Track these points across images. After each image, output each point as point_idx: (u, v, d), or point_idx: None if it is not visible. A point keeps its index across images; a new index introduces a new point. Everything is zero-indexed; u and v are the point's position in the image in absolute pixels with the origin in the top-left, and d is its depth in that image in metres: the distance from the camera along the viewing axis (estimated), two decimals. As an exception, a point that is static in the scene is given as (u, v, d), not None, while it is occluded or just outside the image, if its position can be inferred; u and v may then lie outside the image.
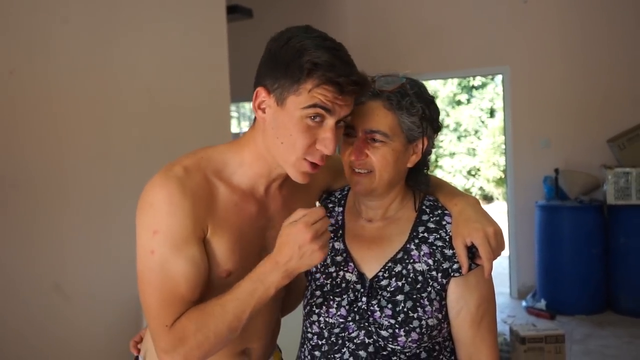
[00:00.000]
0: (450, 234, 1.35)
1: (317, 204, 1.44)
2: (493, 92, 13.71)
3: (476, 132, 14.27)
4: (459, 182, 14.25)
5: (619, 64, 5.75)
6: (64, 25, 2.92)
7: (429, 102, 1.35)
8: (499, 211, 11.06)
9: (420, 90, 1.35)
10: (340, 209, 1.48)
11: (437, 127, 1.38)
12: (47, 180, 2.81)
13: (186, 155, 1.29)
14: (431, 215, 1.40)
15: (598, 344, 4.76)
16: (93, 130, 3.07)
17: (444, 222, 1.38)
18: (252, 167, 1.31)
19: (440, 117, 1.41)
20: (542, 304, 5.56)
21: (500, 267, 6.59)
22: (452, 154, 14.50)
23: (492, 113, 13.84)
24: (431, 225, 1.38)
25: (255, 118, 1.30)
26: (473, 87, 14.15)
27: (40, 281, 2.71)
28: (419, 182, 1.42)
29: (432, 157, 1.48)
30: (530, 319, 5.30)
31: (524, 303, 5.84)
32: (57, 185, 2.85)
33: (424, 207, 1.42)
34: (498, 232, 1.32)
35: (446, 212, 1.40)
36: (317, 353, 1.37)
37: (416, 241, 1.37)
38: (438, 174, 14.51)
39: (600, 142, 5.72)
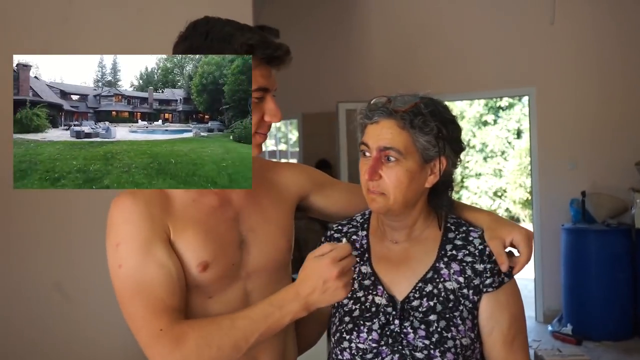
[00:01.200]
0: (480, 247, 1.35)
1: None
2: (520, 112, 13.60)
3: (503, 152, 14.16)
4: (485, 203, 14.14)
5: (647, 86, 5.68)
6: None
7: (446, 122, 1.34)
8: (525, 233, 10.91)
9: (437, 109, 1.34)
10: (364, 232, 1.47)
11: (457, 147, 1.38)
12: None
13: None
14: (457, 232, 1.40)
15: (626, 371, 4.65)
16: None
17: (470, 238, 1.37)
18: None
19: (464, 137, 1.42)
20: (568, 329, 5.48)
21: (526, 290, 6.49)
22: (478, 175, 14.39)
23: (519, 134, 13.73)
24: (458, 242, 1.38)
25: None
26: (500, 107, 14.06)
27: (41, 281, 2.74)
28: (442, 205, 1.41)
29: (457, 177, 1.48)
30: (556, 343, 5.22)
31: (549, 327, 5.75)
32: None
33: (448, 225, 1.41)
34: (531, 235, 1.37)
35: (471, 228, 1.40)
36: None
37: (445, 259, 1.36)
38: (464, 194, 14.43)
39: (629, 165, 5.62)
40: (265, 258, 1.36)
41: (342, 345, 1.36)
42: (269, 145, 10.66)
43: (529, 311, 6.24)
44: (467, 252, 1.36)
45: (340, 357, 1.37)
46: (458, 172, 1.45)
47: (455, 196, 1.48)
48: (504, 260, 1.32)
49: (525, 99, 6.39)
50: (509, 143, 14.04)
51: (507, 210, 14.15)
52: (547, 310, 6.10)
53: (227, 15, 1.38)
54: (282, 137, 11.48)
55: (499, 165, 14.20)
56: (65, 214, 2.91)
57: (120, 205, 1.23)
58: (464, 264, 1.35)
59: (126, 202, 1.23)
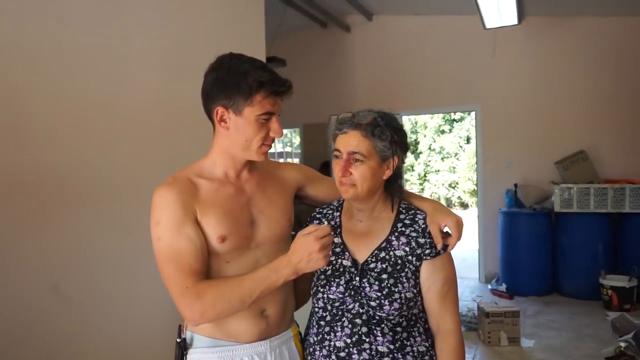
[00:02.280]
0: (423, 226, 1.39)
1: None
2: (469, 124, 13.65)
3: (456, 154, 14.20)
4: (442, 192, 14.18)
5: (563, 104, 5.74)
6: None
7: (397, 130, 1.38)
8: (472, 215, 10.98)
9: (390, 121, 1.38)
10: (338, 213, 1.51)
11: (404, 147, 1.42)
12: (47, 181, 2.32)
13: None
14: (407, 214, 1.43)
15: (546, 318, 4.71)
16: (102, 132, 2.57)
17: (417, 219, 1.41)
18: (222, 163, 1.37)
19: (409, 140, 1.47)
20: (503, 287, 5.53)
21: (472, 259, 6.56)
22: (437, 171, 14.43)
23: (468, 140, 13.77)
24: (407, 222, 1.41)
25: (214, 130, 1.37)
26: (454, 120, 14.11)
27: (40, 282, 2.26)
28: (394, 189, 1.45)
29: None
30: (494, 298, 5.26)
31: (489, 286, 5.80)
32: (58, 186, 2.36)
33: (400, 209, 1.45)
34: (462, 222, 1.40)
35: (418, 212, 1.43)
36: (322, 322, 1.40)
37: (396, 234, 1.40)
38: (426, 186, 14.47)
39: (549, 164, 5.69)
40: (270, 233, 1.40)
41: (317, 296, 1.41)
42: (278, 147, 10.71)
43: (474, 273, 6.31)
44: (413, 229, 1.39)
45: (316, 305, 1.42)
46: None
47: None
48: (439, 240, 1.36)
49: (473, 113, 6.41)
50: (461, 147, 14.08)
51: (459, 198, 14.19)
52: (487, 273, 6.15)
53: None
54: (288, 142, 11.52)
55: (453, 164, 14.26)
56: (65, 213, 2.39)
57: (161, 192, 1.28)
58: (410, 237, 1.38)
59: (165, 190, 1.28)
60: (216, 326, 1.35)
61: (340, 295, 1.37)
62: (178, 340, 1.38)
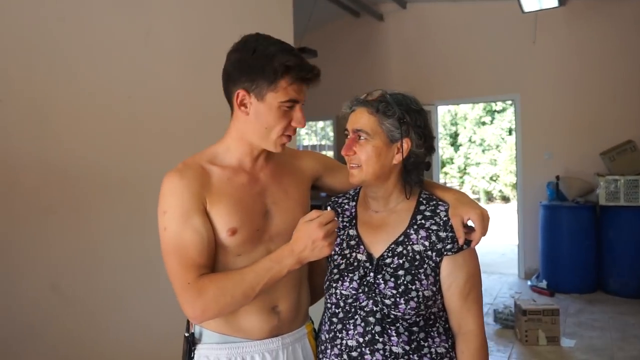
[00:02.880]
0: (445, 219, 1.29)
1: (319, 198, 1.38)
2: (511, 115, 13.28)
3: (497, 146, 13.88)
4: (482, 185, 13.88)
5: (609, 91, 5.46)
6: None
7: (410, 110, 1.28)
8: (514, 210, 10.69)
9: (403, 100, 1.29)
10: (354, 203, 1.43)
11: (421, 132, 1.30)
12: (46, 182, 2.28)
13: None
14: (427, 205, 1.33)
15: (588, 317, 4.49)
16: (105, 130, 2.52)
17: (438, 211, 1.31)
18: (238, 149, 1.30)
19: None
20: (543, 284, 5.32)
21: (512, 254, 6.36)
22: (477, 164, 14.13)
23: (510, 132, 13.42)
24: (427, 214, 1.32)
25: (232, 113, 1.29)
26: (495, 111, 13.76)
27: (39, 282, 2.22)
28: (411, 180, 1.34)
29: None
30: (533, 295, 5.08)
31: (529, 282, 5.59)
32: (57, 186, 2.32)
33: (421, 199, 1.35)
34: (487, 215, 1.29)
35: (440, 203, 1.33)
36: (335, 319, 1.32)
37: (415, 227, 1.30)
38: (466, 179, 14.19)
39: (594, 155, 5.42)
40: (284, 225, 1.32)
41: (330, 292, 1.33)
42: (314, 140, 10.66)
43: (513, 269, 6.12)
44: (434, 222, 1.30)
45: (329, 300, 1.35)
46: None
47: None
48: (461, 234, 1.25)
49: (513, 104, 6.21)
50: (502, 139, 13.75)
51: (500, 191, 13.88)
52: (527, 269, 5.93)
53: (273, 35, 1.32)
54: (324, 135, 11.48)
55: (494, 156, 13.93)
56: (64, 213, 2.35)
57: (170, 179, 1.22)
58: (430, 231, 1.29)
59: (174, 177, 1.22)
60: (226, 321, 1.29)
61: (354, 292, 1.29)
62: (186, 334, 1.34)
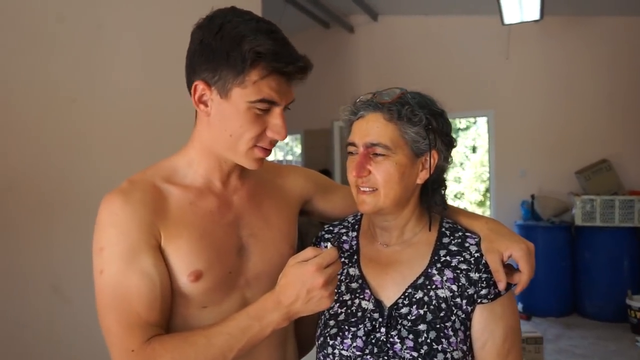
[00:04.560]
0: (476, 255, 0.99)
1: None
2: (475, 133, 13.39)
3: (461, 164, 13.92)
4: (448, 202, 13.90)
5: (584, 109, 5.37)
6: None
7: (435, 114, 1.00)
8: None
9: (425, 101, 1.00)
10: (354, 233, 1.11)
11: (448, 141, 1.02)
12: (46, 182, 2.21)
13: (136, 174, 0.97)
14: (452, 237, 1.03)
15: (568, 343, 4.30)
16: (102, 129, 2.45)
17: (466, 244, 1.01)
18: (202, 164, 0.96)
19: (451, 131, 1.04)
20: (519, 307, 5.14)
21: (483, 274, 6.20)
22: (442, 181, 14.16)
23: (474, 149, 13.50)
24: (453, 248, 1.02)
25: (196, 114, 0.96)
26: (459, 128, 13.84)
27: (38, 283, 2.18)
28: (434, 202, 1.05)
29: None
30: (509, 319, 4.88)
31: (503, 305, 5.40)
32: (57, 186, 2.26)
33: (443, 230, 1.05)
34: (533, 249, 1.00)
35: (467, 234, 1.04)
36: None
37: (438, 265, 1.00)
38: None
39: (570, 173, 5.32)
40: (266, 265, 1.00)
41: (325, 351, 1.00)
42: (279, 155, 10.33)
43: (486, 291, 5.94)
44: (462, 259, 1.00)
45: None
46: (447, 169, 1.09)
47: None
48: (502, 277, 0.96)
49: (480, 121, 6.10)
50: (467, 156, 13.81)
51: (464, 209, 13.89)
52: (500, 290, 5.76)
53: None
54: (289, 150, 11.17)
55: (458, 174, 13.97)
56: (64, 213, 2.28)
57: (110, 205, 0.89)
58: (458, 271, 0.99)
59: (116, 202, 0.89)
60: None
61: (358, 353, 0.96)
62: None
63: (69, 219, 2.25)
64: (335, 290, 1.02)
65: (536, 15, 4.14)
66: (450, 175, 7.31)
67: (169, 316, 0.91)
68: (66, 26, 2.32)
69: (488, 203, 6.02)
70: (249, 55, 0.84)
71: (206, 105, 0.90)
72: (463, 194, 13.75)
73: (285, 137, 0.91)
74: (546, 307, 5.03)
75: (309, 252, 0.85)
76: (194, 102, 0.92)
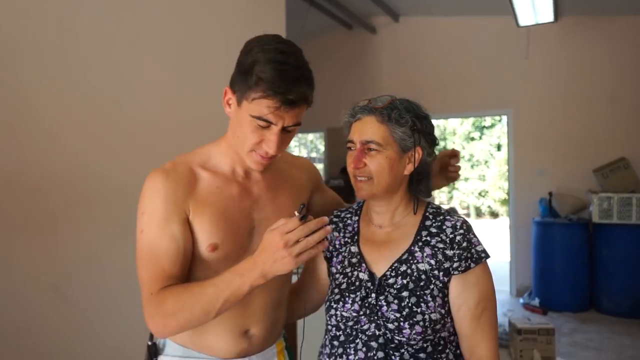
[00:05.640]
0: (451, 236, 1.19)
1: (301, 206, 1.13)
2: (500, 131, 13.35)
3: (486, 162, 13.91)
4: (471, 201, 13.87)
5: (602, 108, 5.43)
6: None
7: (420, 117, 1.20)
8: (503, 226, 10.66)
9: (411, 106, 1.21)
10: (356, 217, 1.33)
11: (431, 139, 1.23)
12: (46, 184, 2.27)
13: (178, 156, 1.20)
14: (434, 220, 1.24)
15: (582, 337, 4.41)
16: (105, 132, 2.52)
17: (444, 227, 1.21)
18: (229, 155, 1.19)
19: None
20: (536, 302, 5.25)
21: (503, 270, 6.28)
22: (466, 179, 14.13)
23: (499, 147, 13.47)
24: (433, 230, 1.22)
25: None
26: (484, 126, 13.82)
27: (39, 282, 2.21)
28: (419, 190, 1.26)
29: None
30: (525, 313, 5.00)
31: (521, 300, 5.52)
32: (57, 188, 2.31)
33: (427, 214, 1.25)
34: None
35: (447, 217, 1.23)
36: (335, 342, 1.23)
37: (420, 244, 1.21)
38: (455, 194, 14.17)
39: (587, 171, 5.39)
40: None
41: (330, 313, 1.24)
42: (303, 153, 10.58)
43: (504, 286, 6.03)
44: (440, 239, 1.20)
45: (329, 322, 1.25)
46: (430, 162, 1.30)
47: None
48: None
49: (505, 120, 6.18)
50: (491, 154, 13.79)
51: (488, 207, 13.87)
52: (519, 286, 5.86)
53: None
54: (313, 147, 11.40)
55: (482, 172, 13.96)
56: (64, 213, 2.34)
57: (154, 179, 1.12)
58: (436, 249, 1.19)
59: (158, 178, 1.12)
60: (192, 337, 1.20)
61: (355, 314, 1.19)
62: (149, 343, 1.24)
63: (69, 219, 2.35)
64: (340, 264, 1.27)
65: (550, 18, 4.24)
66: (474, 173, 7.50)
67: (187, 273, 1.13)
68: (105, 34, 2.55)
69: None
70: (253, 79, 1.04)
71: (229, 106, 1.13)
72: (487, 192, 13.72)
73: (275, 152, 1.10)
74: (563, 303, 5.14)
75: (279, 221, 1.02)
76: (223, 103, 1.15)
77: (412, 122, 1.18)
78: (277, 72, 1.03)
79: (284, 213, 1.19)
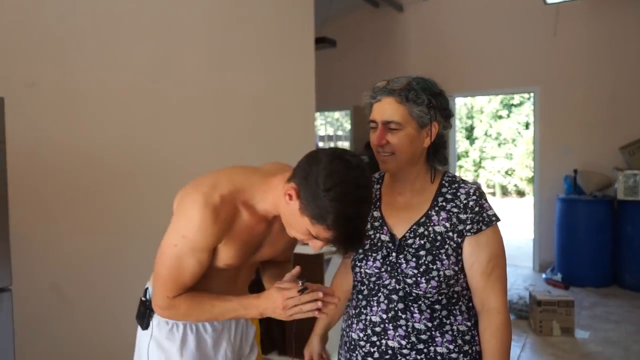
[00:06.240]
0: (465, 201, 1.32)
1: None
2: (528, 109, 13.18)
3: (513, 140, 13.78)
4: (498, 179, 13.82)
5: (629, 85, 5.42)
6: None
7: (435, 94, 1.32)
8: (528, 204, 10.64)
9: (427, 85, 1.32)
10: (378, 186, 1.47)
11: (445, 114, 1.34)
12: (46, 183, 2.29)
13: (226, 178, 1.29)
14: (449, 188, 1.37)
15: (603, 310, 4.50)
16: (115, 133, 2.57)
17: (459, 194, 1.35)
18: (270, 204, 1.29)
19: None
20: (558, 277, 5.33)
21: (527, 247, 6.37)
22: (493, 158, 14.05)
23: (527, 126, 13.32)
24: (449, 196, 1.35)
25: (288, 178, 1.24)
26: (512, 104, 13.66)
27: (39, 282, 2.20)
28: (437, 160, 1.39)
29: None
30: (547, 288, 5.08)
31: (543, 275, 5.60)
32: (57, 187, 2.34)
33: (443, 182, 1.39)
34: None
35: (462, 185, 1.37)
36: (360, 296, 1.39)
37: (436, 208, 1.34)
38: (481, 173, 14.12)
39: (613, 149, 5.40)
40: (261, 258, 1.43)
41: (355, 270, 1.40)
42: (329, 130, 10.68)
43: (528, 262, 6.12)
44: (454, 204, 1.33)
45: (355, 279, 1.42)
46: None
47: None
48: None
49: (532, 98, 6.17)
50: (519, 133, 13.65)
51: (515, 185, 13.80)
52: (542, 262, 5.94)
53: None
54: (339, 126, 11.48)
55: (510, 150, 13.85)
56: (64, 213, 2.36)
57: (202, 216, 1.20)
58: (451, 213, 1.32)
59: (208, 217, 1.21)
60: None
61: (377, 270, 1.34)
62: (143, 299, 1.42)
63: (69, 218, 2.39)
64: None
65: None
66: (501, 152, 7.52)
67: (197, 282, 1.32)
68: (144, 21, 2.70)
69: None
70: (326, 224, 1.13)
71: (290, 199, 1.18)
72: (514, 170, 13.63)
73: (315, 251, 1.27)
74: (585, 278, 5.22)
75: (286, 284, 1.25)
76: (284, 192, 1.19)
77: (428, 101, 1.29)
78: (348, 230, 1.15)
79: (283, 244, 1.42)
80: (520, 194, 13.74)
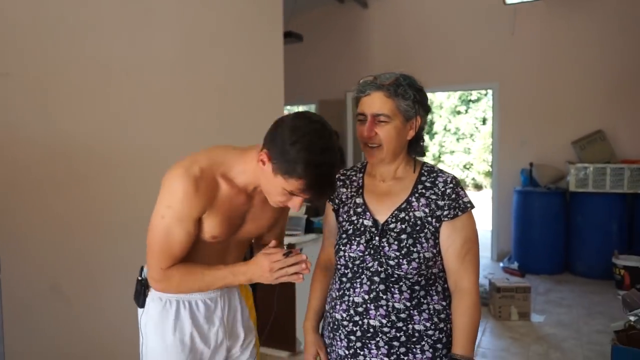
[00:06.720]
0: (442, 189, 1.42)
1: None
2: (485, 105, 13.56)
3: (471, 135, 14.15)
4: (456, 173, 14.16)
5: (582, 83, 5.70)
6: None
7: (419, 90, 1.41)
8: (485, 198, 10.98)
9: (412, 82, 1.41)
10: (361, 174, 1.55)
11: (426, 108, 1.44)
12: (46, 182, 2.31)
13: (206, 155, 1.37)
14: (428, 177, 1.46)
15: (556, 295, 4.76)
16: (109, 131, 2.60)
17: (437, 182, 1.44)
18: (249, 176, 1.37)
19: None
20: (515, 265, 5.57)
21: (484, 239, 6.58)
22: (451, 152, 14.40)
23: (484, 121, 13.71)
24: (428, 184, 1.44)
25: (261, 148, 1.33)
26: (470, 100, 14.02)
27: (39, 282, 2.22)
28: (417, 151, 1.49)
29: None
30: (505, 276, 5.30)
31: (501, 264, 5.84)
32: (57, 186, 2.36)
33: (423, 171, 1.48)
34: None
35: (439, 174, 1.46)
36: (344, 279, 1.45)
37: (416, 195, 1.43)
38: (440, 167, 14.40)
39: (566, 143, 5.69)
40: (252, 231, 1.50)
41: (339, 254, 1.47)
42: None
43: (486, 252, 6.35)
44: (433, 192, 1.42)
45: (338, 262, 1.48)
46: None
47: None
48: None
49: (490, 94, 6.38)
50: (476, 128, 14.02)
51: (472, 179, 14.18)
52: (500, 251, 6.19)
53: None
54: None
55: (467, 145, 14.20)
56: (63, 213, 2.38)
57: (185, 183, 1.29)
58: (430, 200, 1.41)
59: (189, 188, 1.29)
60: None
61: (360, 254, 1.41)
62: (139, 278, 1.49)
63: (69, 217, 2.41)
64: (345, 214, 1.51)
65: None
66: (460, 147, 7.71)
67: (187, 254, 1.39)
68: (117, 13, 2.68)
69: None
70: (295, 174, 1.21)
71: (263, 164, 1.27)
72: (472, 164, 14.00)
73: (298, 210, 1.36)
74: (540, 266, 5.49)
75: (272, 249, 1.34)
76: (258, 158, 1.29)
77: (413, 96, 1.39)
78: (318, 178, 1.23)
79: (265, 220, 1.50)
80: (478, 187, 14.14)
